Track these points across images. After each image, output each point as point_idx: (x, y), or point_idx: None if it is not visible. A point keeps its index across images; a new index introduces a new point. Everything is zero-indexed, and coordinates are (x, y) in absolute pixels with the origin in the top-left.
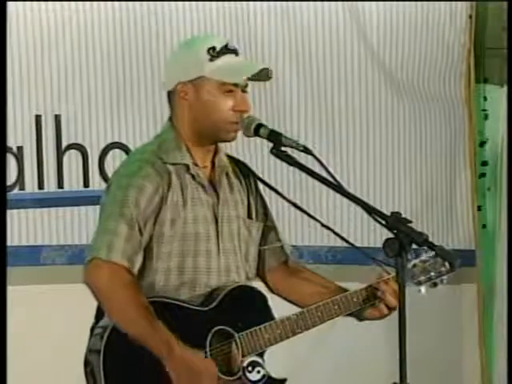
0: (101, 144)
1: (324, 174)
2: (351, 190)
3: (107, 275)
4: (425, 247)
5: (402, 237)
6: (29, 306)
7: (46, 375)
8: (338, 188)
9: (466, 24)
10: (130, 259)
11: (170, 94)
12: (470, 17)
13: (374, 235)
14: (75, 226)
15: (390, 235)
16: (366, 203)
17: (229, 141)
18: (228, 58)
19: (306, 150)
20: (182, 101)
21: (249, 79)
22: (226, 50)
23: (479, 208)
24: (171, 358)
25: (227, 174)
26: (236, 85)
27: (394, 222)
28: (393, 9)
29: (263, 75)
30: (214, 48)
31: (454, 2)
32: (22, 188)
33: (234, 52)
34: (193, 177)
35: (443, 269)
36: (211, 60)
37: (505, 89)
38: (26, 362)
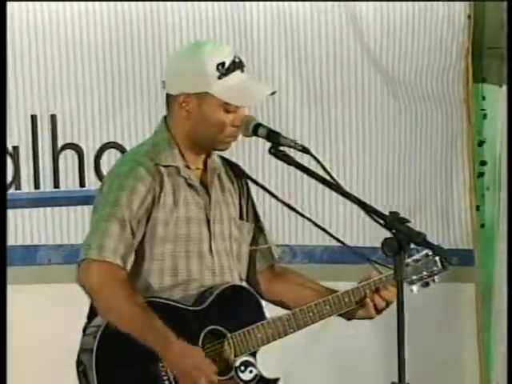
0: (96, 144)
1: (322, 173)
2: (347, 189)
3: (100, 274)
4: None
5: (401, 236)
6: (25, 305)
7: (42, 375)
8: (336, 187)
9: (465, 24)
10: (122, 258)
11: (169, 96)
12: (469, 16)
13: (370, 235)
14: (71, 225)
15: (388, 234)
16: (365, 202)
17: (223, 150)
18: (236, 77)
19: (305, 150)
20: (182, 109)
21: None
22: (234, 65)
23: (478, 208)
24: (170, 353)
25: (219, 176)
26: None
27: (393, 221)
28: (390, 8)
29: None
30: (223, 64)
31: (452, 2)
32: (18, 188)
33: (241, 67)
34: (184, 179)
35: (435, 268)
36: (220, 78)
37: (503, 88)
38: (25, 362)
